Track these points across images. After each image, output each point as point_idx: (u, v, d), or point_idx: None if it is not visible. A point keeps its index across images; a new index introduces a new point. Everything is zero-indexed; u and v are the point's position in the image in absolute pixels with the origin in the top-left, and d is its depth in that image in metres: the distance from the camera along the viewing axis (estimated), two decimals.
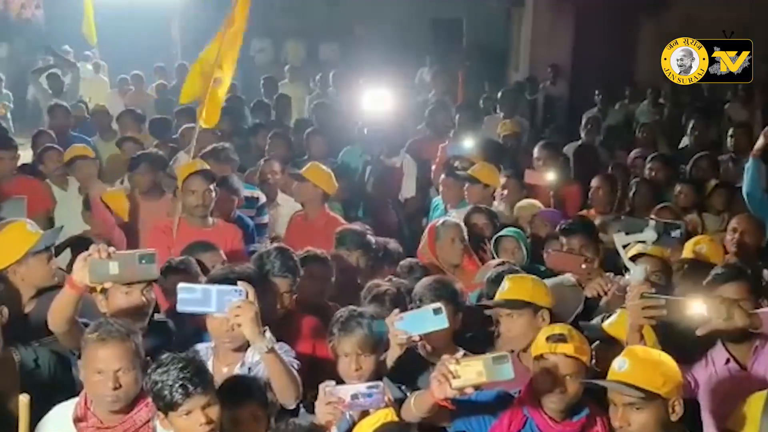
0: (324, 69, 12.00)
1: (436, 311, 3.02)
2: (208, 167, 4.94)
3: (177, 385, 2.54)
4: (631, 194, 5.80)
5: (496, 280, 3.70)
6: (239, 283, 2.75)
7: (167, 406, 2.58)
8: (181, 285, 2.78)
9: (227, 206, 5.23)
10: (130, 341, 2.76)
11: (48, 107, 8.26)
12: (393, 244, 4.66)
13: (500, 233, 4.69)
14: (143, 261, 2.81)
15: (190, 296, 2.73)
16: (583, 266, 4.15)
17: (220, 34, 5.22)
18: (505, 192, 5.69)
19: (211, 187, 4.77)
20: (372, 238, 4.51)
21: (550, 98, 11.29)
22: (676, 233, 3.28)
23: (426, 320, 3.03)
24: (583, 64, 11.95)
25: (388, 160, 6.81)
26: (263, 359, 2.80)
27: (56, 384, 3.17)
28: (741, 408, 2.87)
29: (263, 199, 5.84)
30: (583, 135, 8.05)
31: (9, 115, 10.17)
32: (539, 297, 3.42)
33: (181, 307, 2.76)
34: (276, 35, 15.19)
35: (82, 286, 2.82)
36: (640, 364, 2.62)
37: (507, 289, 3.45)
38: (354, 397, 2.73)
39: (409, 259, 4.46)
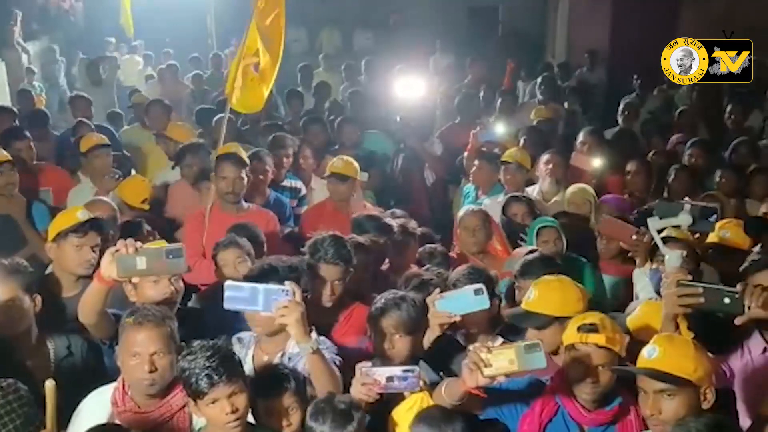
0: (359, 58, 11.97)
1: (477, 292, 3.00)
2: (242, 154, 4.89)
3: (203, 373, 2.55)
4: (669, 180, 5.68)
5: (528, 269, 3.62)
6: (286, 283, 2.76)
7: (194, 394, 2.60)
8: (228, 283, 2.79)
9: (259, 180, 5.23)
10: (166, 326, 2.80)
11: (69, 99, 8.33)
12: (413, 223, 4.57)
13: (541, 224, 4.47)
14: (170, 256, 2.80)
15: (238, 294, 2.73)
16: (634, 237, 4.08)
17: (253, 24, 5.02)
18: (550, 166, 5.57)
19: (243, 174, 4.76)
20: (389, 219, 4.41)
21: (587, 84, 11.11)
22: (712, 218, 3.19)
23: (467, 300, 3.02)
24: (621, 50, 11.71)
25: (422, 146, 6.79)
26: (307, 359, 2.80)
27: (89, 371, 3.22)
28: None
29: (304, 190, 5.84)
30: (621, 121, 7.94)
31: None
32: (568, 307, 3.09)
33: (228, 305, 2.76)
34: (311, 24, 15.18)
35: (110, 280, 2.85)
36: (671, 351, 2.56)
37: (533, 299, 3.17)
38: (389, 379, 2.73)
39: (428, 245, 4.43)
